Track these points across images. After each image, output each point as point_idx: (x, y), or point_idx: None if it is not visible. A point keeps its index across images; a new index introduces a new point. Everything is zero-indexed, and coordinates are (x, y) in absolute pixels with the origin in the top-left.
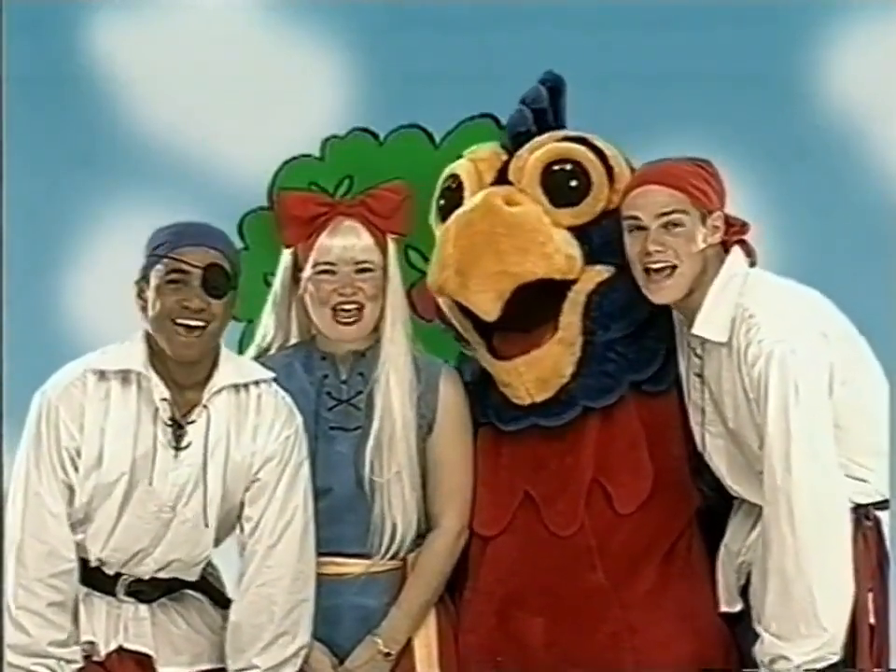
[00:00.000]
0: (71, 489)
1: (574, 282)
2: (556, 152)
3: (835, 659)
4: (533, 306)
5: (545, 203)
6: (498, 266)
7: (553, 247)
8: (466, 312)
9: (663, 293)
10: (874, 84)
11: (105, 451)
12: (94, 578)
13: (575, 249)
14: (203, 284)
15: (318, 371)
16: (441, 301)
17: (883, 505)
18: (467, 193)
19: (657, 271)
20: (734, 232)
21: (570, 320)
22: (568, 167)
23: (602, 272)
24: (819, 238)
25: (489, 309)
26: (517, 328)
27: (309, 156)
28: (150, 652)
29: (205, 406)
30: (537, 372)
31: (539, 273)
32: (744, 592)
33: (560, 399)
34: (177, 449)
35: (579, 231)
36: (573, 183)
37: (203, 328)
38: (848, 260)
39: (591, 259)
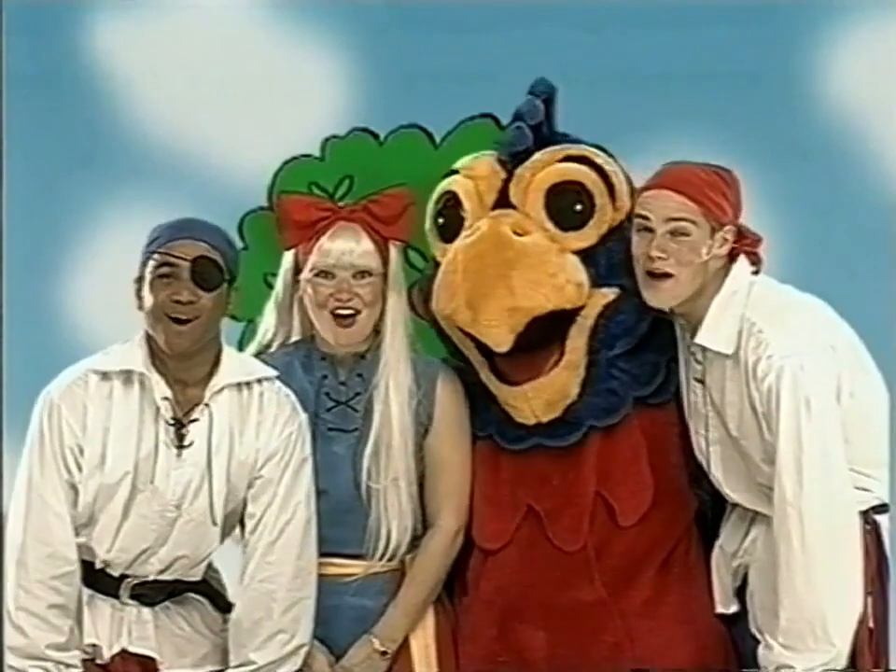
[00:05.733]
0: (74, 489)
1: (582, 307)
2: (559, 174)
3: (840, 668)
4: (542, 334)
5: (551, 229)
6: (511, 301)
7: (563, 278)
8: (469, 335)
9: (659, 297)
10: (874, 84)
11: (109, 451)
12: (98, 580)
13: (583, 275)
14: (193, 276)
15: (318, 371)
16: (443, 324)
17: (881, 509)
18: (467, 215)
19: (656, 276)
20: (744, 244)
21: (577, 344)
22: (572, 191)
23: (608, 294)
24: (819, 238)
25: (501, 342)
26: (523, 351)
27: (309, 156)
28: (154, 655)
29: (207, 405)
30: (545, 397)
31: (550, 305)
32: (739, 593)
33: (566, 420)
34: (180, 448)
35: (585, 255)
36: (578, 207)
37: (194, 321)
38: (848, 261)
39: (597, 282)
